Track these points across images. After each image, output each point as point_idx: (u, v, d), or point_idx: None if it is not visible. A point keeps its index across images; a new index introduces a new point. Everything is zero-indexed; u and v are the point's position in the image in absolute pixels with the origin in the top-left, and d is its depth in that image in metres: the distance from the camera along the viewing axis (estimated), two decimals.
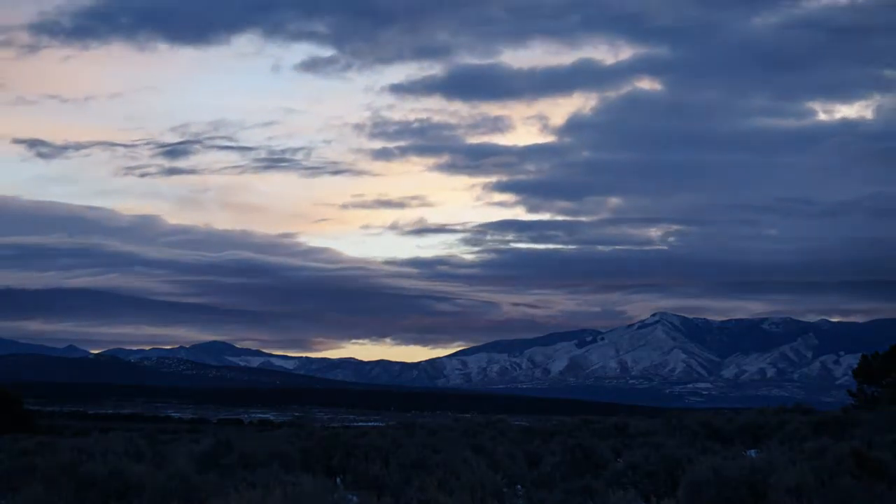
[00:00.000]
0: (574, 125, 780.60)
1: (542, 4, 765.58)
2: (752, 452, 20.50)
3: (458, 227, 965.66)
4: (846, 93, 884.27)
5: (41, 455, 23.94)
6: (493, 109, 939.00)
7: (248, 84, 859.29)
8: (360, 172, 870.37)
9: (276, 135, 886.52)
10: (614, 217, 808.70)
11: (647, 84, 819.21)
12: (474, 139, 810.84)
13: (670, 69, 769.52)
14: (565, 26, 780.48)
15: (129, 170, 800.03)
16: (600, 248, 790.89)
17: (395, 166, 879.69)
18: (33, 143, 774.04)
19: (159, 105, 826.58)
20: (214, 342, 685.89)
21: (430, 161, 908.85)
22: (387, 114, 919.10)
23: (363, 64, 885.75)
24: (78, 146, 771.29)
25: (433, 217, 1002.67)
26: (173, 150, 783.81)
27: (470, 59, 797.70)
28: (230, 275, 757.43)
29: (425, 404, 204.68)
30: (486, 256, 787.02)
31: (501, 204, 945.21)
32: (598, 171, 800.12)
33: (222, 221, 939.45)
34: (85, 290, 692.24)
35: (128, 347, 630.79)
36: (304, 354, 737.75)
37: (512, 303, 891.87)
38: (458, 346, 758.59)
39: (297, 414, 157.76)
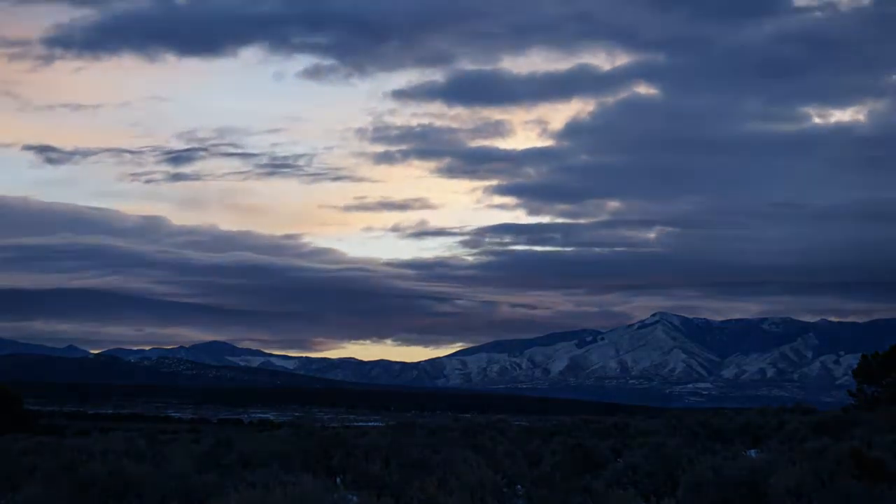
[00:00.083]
0: (573, 129, 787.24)
1: (541, 16, 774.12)
2: (752, 452, 20.51)
3: (458, 230, 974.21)
4: (839, 99, 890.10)
5: (41, 455, 23.95)
6: (493, 114, 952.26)
7: (253, 92, 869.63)
8: (362, 176, 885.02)
9: (280, 140, 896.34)
10: (613, 219, 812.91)
11: (643, 89, 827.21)
12: (475, 143, 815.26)
13: (666, 75, 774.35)
14: (564, 34, 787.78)
15: (135, 176, 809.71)
16: (600, 249, 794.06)
17: (397, 170, 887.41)
18: (42, 150, 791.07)
19: (166, 113, 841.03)
20: (214, 342, 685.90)
21: (432, 164, 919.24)
22: (389, 119, 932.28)
23: (365, 72, 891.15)
24: (86, 152, 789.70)
25: (434, 219, 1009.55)
26: (178, 157, 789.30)
27: (470, 66, 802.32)
28: (231, 275, 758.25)
29: (425, 404, 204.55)
30: (486, 258, 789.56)
31: (502, 206, 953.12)
32: (596, 174, 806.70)
33: (226, 223, 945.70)
34: (85, 290, 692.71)
35: (128, 347, 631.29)
36: (304, 354, 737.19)
37: (512, 303, 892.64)
38: (458, 346, 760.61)
39: (297, 414, 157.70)
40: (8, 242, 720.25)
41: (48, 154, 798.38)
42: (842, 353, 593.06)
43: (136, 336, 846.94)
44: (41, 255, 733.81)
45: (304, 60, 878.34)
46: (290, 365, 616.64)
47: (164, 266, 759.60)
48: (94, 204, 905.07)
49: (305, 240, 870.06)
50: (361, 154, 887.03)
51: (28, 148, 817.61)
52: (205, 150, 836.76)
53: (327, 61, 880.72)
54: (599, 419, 35.24)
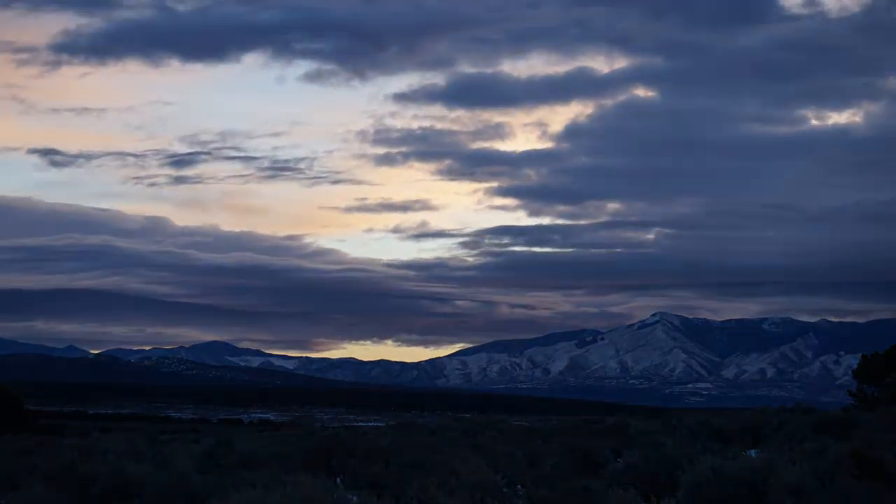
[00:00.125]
0: (572, 132, 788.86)
1: (540, 23, 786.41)
2: (752, 452, 20.50)
3: (459, 231, 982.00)
4: (836, 101, 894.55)
5: (41, 455, 23.96)
6: (493, 117, 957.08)
7: (255, 96, 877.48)
8: (363, 178, 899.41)
9: (282, 143, 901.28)
10: (613, 220, 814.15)
11: (642, 92, 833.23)
12: (476, 145, 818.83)
13: (664, 78, 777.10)
14: (562, 39, 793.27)
15: (138, 179, 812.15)
16: (599, 250, 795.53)
17: (398, 172, 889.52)
18: (46, 153, 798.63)
19: (169, 117, 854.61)
20: (214, 342, 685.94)
21: (433, 166, 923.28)
22: (390, 121, 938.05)
23: (366, 77, 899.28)
24: (90, 155, 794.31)
25: (435, 221, 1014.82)
26: (181, 161, 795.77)
27: (470, 69, 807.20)
28: (232, 276, 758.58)
29: (425, 404, 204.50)
30: (486, 259, 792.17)
31: (502, 208, 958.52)
32: (596, 176, 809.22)
33: (228, 224, 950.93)
34: (85, 290, 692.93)
35: (128, 347, 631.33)
36: (304, 354, 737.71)
37: (512, 303, 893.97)
38: (458, 346, 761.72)
39: (297, 414, 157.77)
40: (10, 243, 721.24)
41: (52, 157, 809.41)
42: (842, 353, 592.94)
43: (136, 336, 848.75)
44: (43, 255, 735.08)
45: (305, 65, 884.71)
46: (290, 365, 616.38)
47: (165, 266, 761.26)
48: (97, 205, 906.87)
49: (307, 241, 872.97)
50: (362, 156, 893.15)
51: (33, 151, 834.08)
52: (207, 153, 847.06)
53: (328, 66, 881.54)
54: (599, 419, 35.23)
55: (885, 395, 40.35)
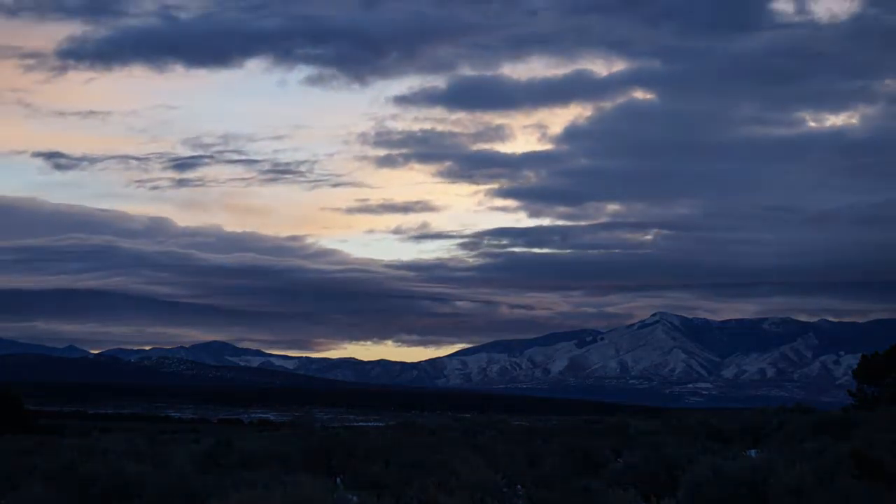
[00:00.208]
0: (571, 134, 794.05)
1: (538, 30, 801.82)
2: (752, 452, 20.50)
3: (460, 232, 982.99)
4: (833, 105, 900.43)
5: (41, 455, 23.96)
6: (493, 119, 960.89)
7: (257, 99, 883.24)
8: (364, 179, 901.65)
9: (284, 145, 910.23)
10: (612, 221, 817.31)
11: (640, 95, 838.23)
12: (476, 147, 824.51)
13: (662, 81, 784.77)
14: (561, 45, 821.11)
15: (140, 183, 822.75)
16: (599, 251, 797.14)
17: (400, 173, 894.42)
18: (51, 156, 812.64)
19: (172, 120, 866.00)
20: (214, 342, 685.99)
21: (433, 168, 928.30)
22: (391, 124, 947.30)
23: (366, 82, 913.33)
24: (94, 159, 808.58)
25: (436, 222, 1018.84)
26: (184, 164, 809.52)
27: (471, 72, 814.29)
28: (233, 276, 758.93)
29: (425, 404, 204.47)
30: (486, 259, 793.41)
31: (502, 209, 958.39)
32: (595, 177, 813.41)
33: (231, 225, 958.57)
34: (86, 290, 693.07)
35: (128, 347, 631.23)
36: (304, 354, 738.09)
37: (512, 304, 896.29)
38: (458, 346, 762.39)
39: (297, 414, 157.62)
40: (14, 243, 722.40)
41: (57, 160, 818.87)
42: (842, 353, 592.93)
43: (136, 336, 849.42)
44: (46, 255, 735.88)
45: (306, 70, 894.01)
46: (290, 365, 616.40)
47: (167, 267, 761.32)
48: (100, 206, 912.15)
49: (308, 241, 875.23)
50: (364, 158, 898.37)
51: (37, 154, 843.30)
52: (210, 157, 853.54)
53: (329, 71, 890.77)
54: (599, 419, 35.23)
55: (885, 395, 40.33)
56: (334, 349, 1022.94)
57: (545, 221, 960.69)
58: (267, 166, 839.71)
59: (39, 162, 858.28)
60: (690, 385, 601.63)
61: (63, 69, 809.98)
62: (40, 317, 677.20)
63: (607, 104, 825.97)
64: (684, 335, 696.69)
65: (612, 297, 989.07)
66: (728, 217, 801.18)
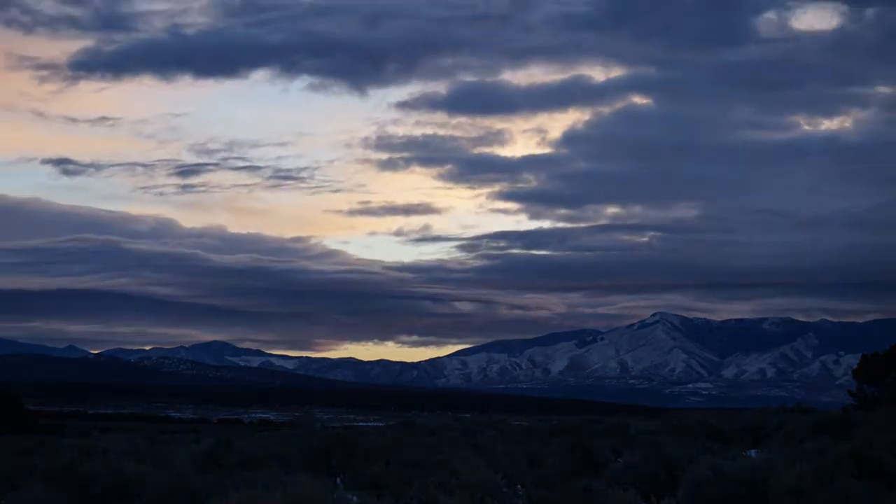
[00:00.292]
0: (570, 138, 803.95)
1: (536, 43, 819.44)
2: (752, 452, 20.50)
3: (460, 234, 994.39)
4: (826, 110, 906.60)
5: (41, 455, 23.96)
6: (494, 123, 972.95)
7: (262, 106, 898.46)
8: (366, 182, 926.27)
9: (287, 150, 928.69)
10: (612, 223, 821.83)
11: (638, 99, 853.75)
12: (476, 150, 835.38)
13: (659, 86, 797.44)
14: (559, 54, 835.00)
15: (146, 189, 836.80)
16: (599, 252, 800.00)
17: (401, 176, 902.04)
18: (60, 162, 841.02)
19: (179, 128, 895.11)
20: (214, 342, 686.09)
21: (434, 171, 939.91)
22: (392, 128, 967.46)
23: (366, 91, 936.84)
24: (100, 165, 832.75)
25: (437, 224, 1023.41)
26: (189, 170, 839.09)
27: (471, 78, 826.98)
28: (235, 276, 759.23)
29: (425, 404, 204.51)
30: (487, 261, 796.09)
31: (503, 211, 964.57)
32: (594, 180, 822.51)
33: (234, 226, 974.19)
34: (86, 290, 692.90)
35: (128, 347, 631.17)
36: (304, 354, 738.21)
37: (512, 304, 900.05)
38: (458, 346, 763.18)
39: (297, 414, 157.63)
40: (17, 244, 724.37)
41: (65, 166, 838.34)
42: (842, 353, 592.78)
43: (136, 336, 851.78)
44: (49, 256, 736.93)
45: (309, 79, 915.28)
46: (290, 365, 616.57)
47: (169, 267, 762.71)
48: (105, 207, 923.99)
49: (311, 243, 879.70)
50: (366, 161, 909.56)
51: (46, 161, 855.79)
52: (215, 164, 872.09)
53: (331, 81, 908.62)
54: (599, 419, 35.23)
55: (885, 395, 40.31)
56: (334, 349, 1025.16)
57: (545, 224, 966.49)
58: (271, 171, 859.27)
59: (48, 168, 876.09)
60: (690, 385, 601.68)
61: (75, 80, 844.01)
62: (41, 317, 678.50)
63: (605, 109, 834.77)
64: (684, 335, 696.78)
65: (611, 297, 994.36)
66: (726, 219, 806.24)
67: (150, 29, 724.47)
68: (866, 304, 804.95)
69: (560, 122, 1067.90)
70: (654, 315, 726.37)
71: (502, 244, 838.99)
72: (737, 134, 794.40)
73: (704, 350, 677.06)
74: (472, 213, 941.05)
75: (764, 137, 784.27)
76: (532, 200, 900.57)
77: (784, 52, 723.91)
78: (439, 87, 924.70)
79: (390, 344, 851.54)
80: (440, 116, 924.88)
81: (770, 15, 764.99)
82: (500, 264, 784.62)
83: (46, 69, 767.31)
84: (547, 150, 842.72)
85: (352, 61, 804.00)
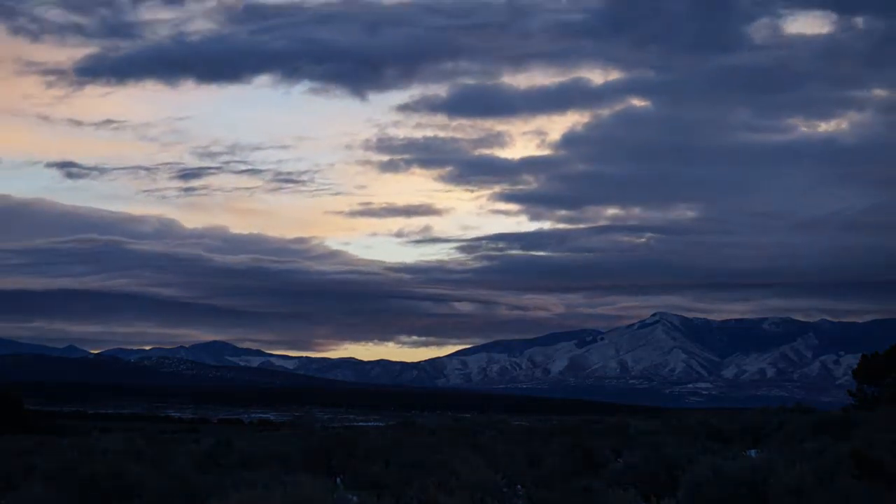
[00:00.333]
0: (569, 140, 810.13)
1: (533, 51, 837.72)
2: (752, 452, 20.50)
3: (461, 235, 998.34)
4: (822, 113, 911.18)
5: (41, 455, 23.97)
6: (494, 125, 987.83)
7: (264, 110, 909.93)
8: (367, 184, 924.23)
9: (289, 153, 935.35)
10: (611, 225, 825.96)
11: (636, 102, 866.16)
12: (477, 152, 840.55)
13: (657, 89, 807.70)
14: (558, 57, 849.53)
15: (148, 192, 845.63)
16: (599, 253, 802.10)
17: (402, 178, 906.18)
18: (64, 165, 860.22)
19: (181, 132, 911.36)
20: (214, 342, 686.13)
21: (435, 173, 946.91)
22: (393, 130, 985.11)
23: (366, 96, 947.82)
24: (104, 169, 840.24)
25: (438, 225, 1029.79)
26: (191, 173, 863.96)
27: (471, 81, 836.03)
28: (237, 277, 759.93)
29: (425, 404, 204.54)
30: (487, 262, 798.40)
31: (503, 212, 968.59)
32: (593, 182, 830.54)
33: (237, 227, 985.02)
34: (86, 290, 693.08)
35: (128, 347, 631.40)
36: (304, 354, 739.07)
37: (512, 304, 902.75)
38: (458, 346, 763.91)
39: (297, 414, 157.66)
40: (21, 245, 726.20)
41: (69, 169, 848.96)
42: (842, 353, 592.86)
43: (136, 336, 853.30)
44: (52, 256, 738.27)
45: (311, 84, 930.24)
46: (290, 365, 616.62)
47: (170, 267, 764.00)
48: (108, 208, 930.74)
49: (312, 244, 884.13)
50: (367, 163, 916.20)
51: (51, 164, 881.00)
52: (217, 167, 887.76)
53: (332, 85, 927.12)
54: (599, 419, 35.23)
55: (885, 395, 40.31)
56: (334, 349, 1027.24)
57: (545, 225, 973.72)
58: (273, 173, 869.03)
59: (53, 171, 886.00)
60: (690, 385, 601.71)
61: (81, 84, 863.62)
62: (41, 317, 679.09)
63: (604, 111, 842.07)
64: (684, 335, 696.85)
65: (611, 297, 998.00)
66: (724, 220, 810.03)
67: (154, 36, 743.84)
68: (866, 304, 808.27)
69: (559, 125, 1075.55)
70: (654, 315, 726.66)
71: (502, 245, 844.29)
72: (735, 136, 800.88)
73: (704, 350, 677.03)
74: (472, 215, 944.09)
75: (762, 139, 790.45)
76: (532, 202, 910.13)
77: (777, 59, 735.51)
78: (439, 91, 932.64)
79: (390, 344, 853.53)
80: (440, 119, 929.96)
81: (762, 22, 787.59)
82: (501, 265, 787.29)
83: (53, 74, 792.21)
84: (546, 152, 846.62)
85: (353, 67, 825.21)
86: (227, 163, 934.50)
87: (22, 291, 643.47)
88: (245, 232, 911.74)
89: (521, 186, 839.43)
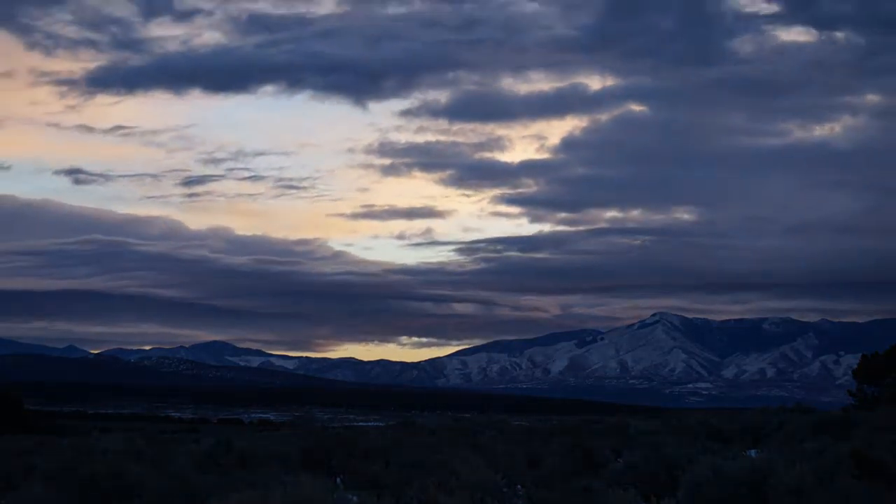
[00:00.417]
0: (568, 144, 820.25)
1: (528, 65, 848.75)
2: (752, 452, 20.50)
3: (462, 237, 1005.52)
4: (816, 117, 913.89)
5: (41, 455, 23.97)
6: (494, 130, 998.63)
7: (268, 118, 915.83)
8: (369, 187, 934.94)
9: (292, 159, 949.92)
10: (611, 227, 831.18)
11: (633, 107, 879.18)
12: (478, 156, 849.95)
13: (654, 95, 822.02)
14: (559, 60, 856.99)
15: (153, 198, 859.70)
16: (598, 254, 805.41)
17: (403, 181, 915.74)
18: (71, 171, 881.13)
19: (187, 139, 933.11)
20: (214, 342, 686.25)
21: (436, 176, 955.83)
22: (395, 135, 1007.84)
23: (367, 106, 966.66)
24: (109, 175, 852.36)
25: (439, 227, 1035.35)
26: (196, 179, 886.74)
27: (471, 86, 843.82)
28: (238, 277, 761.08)
29: (425, 404, 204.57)
30: (488, 263, 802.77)
31: (504, 215, 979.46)
32: (592, 185, 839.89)
33: (241, 229, 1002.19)
34: (86, 290, 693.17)
35: (128, 347, 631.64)
36: (304, 354, 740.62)
37: (512, 305, 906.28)
38: (458, 346, 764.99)
39: (297, 414, 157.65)
40: (25, 245, 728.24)
41: (76, 175, 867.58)
42: (842, 353, 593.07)
43: (136, 336, 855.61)
44: (56, 257, 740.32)
45: (314, 93, 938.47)
46: (290, 365, 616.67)
47: (173, 268, 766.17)
48: (112, 209, 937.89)
49: (314, 246, 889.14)
50: (369, 166, 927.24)
51: (59, 172, 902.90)
52: (221, 174, 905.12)
53: (335, 95, 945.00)
54: (599, 419, 35.23)
55: (885, 395, 40.31)
56: (334, 349, 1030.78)
57: (545, 227, 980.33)
58: (276, 178, 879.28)
59: (59, 177, 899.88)
60: (690, 385, 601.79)
61: (91, 94, 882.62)
62: (42, 317, 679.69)
63: (602, 116, 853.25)
64: (684, 335, 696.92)
65: (612, 297, 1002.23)
66: (723, 221, 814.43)
67: (162, 51, 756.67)
68: (866, 304, 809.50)
69: (558, 129, 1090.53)
70: (653, 315, 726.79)
71: (503, 247, 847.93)
72: (731, 140, 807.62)
73: (704, 350, 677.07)
74: (473, 217, 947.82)
75: (758, 143, 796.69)
76: (533, 205, 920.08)
77: (764, 72, 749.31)
78: (440, 96, 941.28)
79: (391, 344, 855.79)
80: (441, 123, 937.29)
81: (746, 38, 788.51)
82: (501, 267, 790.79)
83: (65, 85, 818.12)
84: (546, 156, 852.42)
85: (354, 79, 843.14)
86: (231, 169, 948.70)
87: (23, 292, 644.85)
88: (249, 233, 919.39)
89: (521, 190, 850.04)
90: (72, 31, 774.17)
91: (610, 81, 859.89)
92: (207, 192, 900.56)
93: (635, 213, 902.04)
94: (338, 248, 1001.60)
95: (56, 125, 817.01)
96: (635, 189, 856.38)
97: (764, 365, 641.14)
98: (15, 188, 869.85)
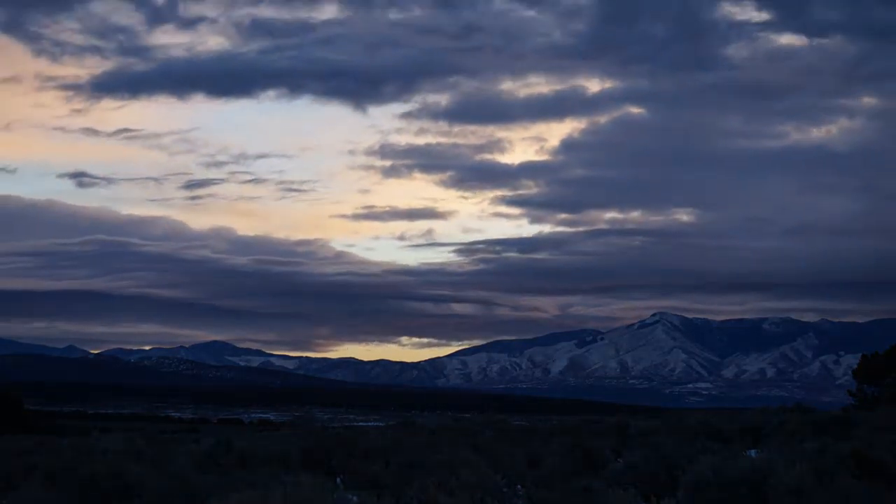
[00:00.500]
0: (568, 146, 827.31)
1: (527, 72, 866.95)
2: (752, 452, 20.50)
3: (462, 237, 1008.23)
4: (814, 119, 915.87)
5: (41, 455, 23.96)
6: (494, 132, 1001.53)
7: (270, 121, 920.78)
8: (370, 188, 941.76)
9: (294, 161, 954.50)
10: (611, 228, 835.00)
11: (632, 109, 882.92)
12: (478, 157, 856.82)
13: (652, 97, 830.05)
14: (557, 66, 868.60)
15: (156, 201, 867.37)
16: (599, 255, 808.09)
17: (404, 182, 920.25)
18: (75, 175, 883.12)
19: (190, 142, 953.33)
20: (214, 342, 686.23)
21: (437, 177, 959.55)
22: (395, 137, 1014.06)
23: (367, 111, 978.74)
24: (113, 178, 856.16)
25: (439, 228, 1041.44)
26: (198, 182, 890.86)
27: (471, 90, 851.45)
28: (240, 278, 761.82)
29: (425, 404, 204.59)
30: (488, 264, 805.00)
31: (504, 216, 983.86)
32: (592, 186, 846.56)
33: (243, 229, 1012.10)
34: (86, 290, 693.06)
35: (128, 347, 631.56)
36: (304, 354, 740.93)
37: (512, 305, 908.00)
38: (458, 346, 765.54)
39: (297, 414, 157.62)
40: (28, 245, 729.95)
41: (80, 178, 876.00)
42: (842, 353, 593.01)
43: (136, 336, 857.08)
44: (58, 257, 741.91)
45: (315, 98, 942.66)
46: (290, 365, 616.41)
47: (174, 269, 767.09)
48: (115, 209, 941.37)
49: (316, 246, 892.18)
50: (370, 168, 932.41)
51: (63, 175, 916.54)
52: (223, 178, 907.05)
53: (336, 98, 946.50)
54: (599, 419, 35.22)
55: (885, 395, 40.32)
56: (334, 349, 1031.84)
57: (545, 228, 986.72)
58: (278, 180, 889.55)
59: (63, 180, 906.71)
60: (690, 385, 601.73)
61: (97, 98, 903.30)
62: (40, 317, 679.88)
63: (601, 119, 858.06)
64: (684, 335, 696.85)
65: (611, 297, 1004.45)
66: (722, 222, 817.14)
67: (165, 57, 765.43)
68: (866, 305, 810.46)
69: (558, 131, 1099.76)
70: (653, 315, 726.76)
71: (503, 248, 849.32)
72: (729, 142, 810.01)
73: (704, 350, 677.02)
74: (473, 218, 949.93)
75: (755, 145, 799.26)
76: (532, 206, 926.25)
77: (758, 78, 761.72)
78: (440, 99, 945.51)
79: (391, 345, 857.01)
80: (442, 126, 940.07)
81: (740, 44, 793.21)
82: (502, 268, 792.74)
83: (71, 90, 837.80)
84: (545, 158, 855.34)
85: (355, 84, 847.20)
86: (233, 173, 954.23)
87: (23, 292, 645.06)
88: (251, 234, 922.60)
89: (521, 191, 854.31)
90: (79, 39, 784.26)
91: (608, 84, 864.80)
92: (210, 195, 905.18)
93: (635, 214, 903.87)
94: (340, 248, 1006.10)
95: (62, 129, 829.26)
96: (635, 190, 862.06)
97: (764, 365, 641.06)
98: (20, 189, 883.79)
